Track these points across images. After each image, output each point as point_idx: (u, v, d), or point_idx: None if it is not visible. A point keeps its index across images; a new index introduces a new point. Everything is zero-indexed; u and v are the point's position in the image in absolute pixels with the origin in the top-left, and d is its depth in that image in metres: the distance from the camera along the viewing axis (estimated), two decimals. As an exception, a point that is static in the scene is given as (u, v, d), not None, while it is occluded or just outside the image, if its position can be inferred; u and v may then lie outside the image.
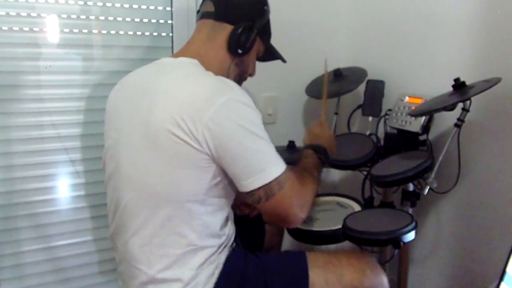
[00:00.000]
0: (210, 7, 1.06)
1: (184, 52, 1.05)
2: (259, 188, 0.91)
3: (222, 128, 0.88)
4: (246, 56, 1.09)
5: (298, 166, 1.11)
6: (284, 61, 1.23)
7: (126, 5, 1.42)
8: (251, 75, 1.17)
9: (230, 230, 1.05)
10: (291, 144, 1.54)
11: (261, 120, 0.95)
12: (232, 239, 1.07)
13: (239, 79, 1.13)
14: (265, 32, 1.13)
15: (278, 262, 1.09)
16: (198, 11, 1.11)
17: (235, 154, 0.90)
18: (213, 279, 0.98)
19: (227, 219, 1.04)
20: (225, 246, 1.03)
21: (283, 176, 0.93)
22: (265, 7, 1.11)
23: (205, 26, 1.06)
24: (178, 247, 0.94)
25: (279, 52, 1.20)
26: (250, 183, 0.91)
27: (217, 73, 1.04)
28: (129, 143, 0.97)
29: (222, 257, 1.02)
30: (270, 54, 1.19)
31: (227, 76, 1.07)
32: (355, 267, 1.07)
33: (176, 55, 1.05)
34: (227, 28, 1.04)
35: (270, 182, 0.91)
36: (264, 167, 0.92)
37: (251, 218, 1.30)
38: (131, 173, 0.96)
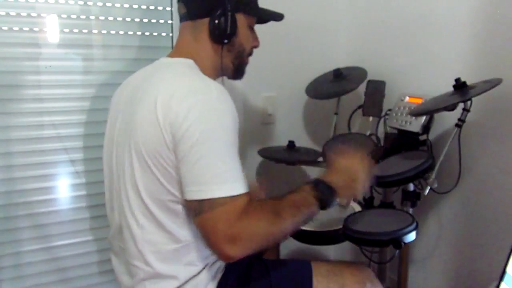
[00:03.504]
0: (183, 9, 1.04)
1: (178, 53, 1.04)
2: (193, 201, 0.85)
3: (184, 127, 0.85)
4: (234, 37, 1.05)
5: (278, 198, 0.92)
6: (280, 18, 1.15)
7: (126, 5, 1.41)
8: (255, 46, 1.12)
9: None
10: (291, 144, 1.54)
11: (234, 128, 0.89)
12: None
13: (240, 60, 1.09)
14: (245, 4, 1.06)
15: (283, 268, 1.09)
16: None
17: (186, 158, 0.85)
18: (215, 281, 0.98)
19: None
20: None
21: (226, 199, 0.83)
22: None
23: (186, 29, 1.05)
24: (171, 244, 0.94)
25: (271, 11, 1.14)
26: (188, 192, 0.85)
27: (211, 67, 1.04)
28: (122, 144, 0.97)
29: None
30: (263, 17, 1.14)
31: (224, 65, 1.06)
32: (357, 279, 1.08)
33: (171, 55, 1.05)
34: (205, 23, 1.02)
35: (206, 200, 0.83)
36: (207, 182, 0.84)
37: None
38: (124, 174, 0.96)
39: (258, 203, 0.89)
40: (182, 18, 1.06)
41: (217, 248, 0.84)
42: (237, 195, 0.84)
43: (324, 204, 0.93)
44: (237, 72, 1.11)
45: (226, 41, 1.03)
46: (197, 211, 0.84)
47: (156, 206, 0.92)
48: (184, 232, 0.94)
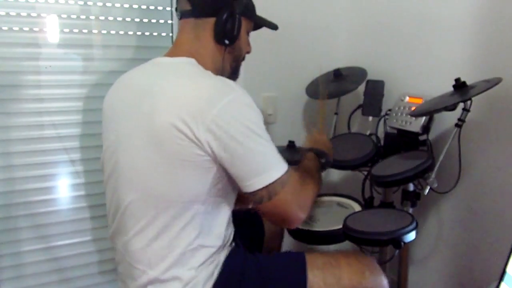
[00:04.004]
0: (187, 5, 1.03)
1: (177, 52, 1.03)
2: (262, 189, 0.92)
3: (224, 130, 0.88)
4: (237, 40, 1.06)
5: (300, 167, 1.11)
6: (274, 28, 1.18)
7: (126, 5, 1.42)
8: (248, 52, 1.15)
9: (229, 230, 1.06)
10: (291, 144, 1.53)
11: (262, 120, 0.95)
12: (231, 238, 1.07)
13: (236, 63, 1.12)
14: (248, 9, 1.09)
15: (276, 262, 1.09)
16: (176, 9, 1.08)
17: (238, 156, 0.90)
18: (212, 279, 0.99)
19: (228, 219, 1.04)
20: (224, 246, 1.03)
21: (285, 176, 0.94)
22: None
23: (188, 26, 1.04)
24: (180, 247, 0.95)
25: (268, 20, 1.17)
26: (253, 183, 0.92)
27: (212, 67, 1.04)
28: (130, 145, 0.96)
29: (221, 257, 1.02)
30: (259, 24, 1.17)
31: (223, 66, 1.07)
32: (354, 269, 1.07)
33: (170, 55, 1.04)
34: (210, 22, 1.02)
35: (274, 182, 0.92)
36: (267, 167, 0.92)
37: (250, 218, 1.30)
38: (132, 175, 0.96)
39: (299, 171, 1.06)
40: (184, 15, 1.05)
41: (292, 218, 0.99)
42: (288, 167, 0.96)
43: (326, 165, 1.22)
44: (233, 74, 1.13)
45: (228, 42, 1.04)
46: (271, 195, 0.93)
47: (174, 209, 0.93)
48: (195, 235, 0.95)
